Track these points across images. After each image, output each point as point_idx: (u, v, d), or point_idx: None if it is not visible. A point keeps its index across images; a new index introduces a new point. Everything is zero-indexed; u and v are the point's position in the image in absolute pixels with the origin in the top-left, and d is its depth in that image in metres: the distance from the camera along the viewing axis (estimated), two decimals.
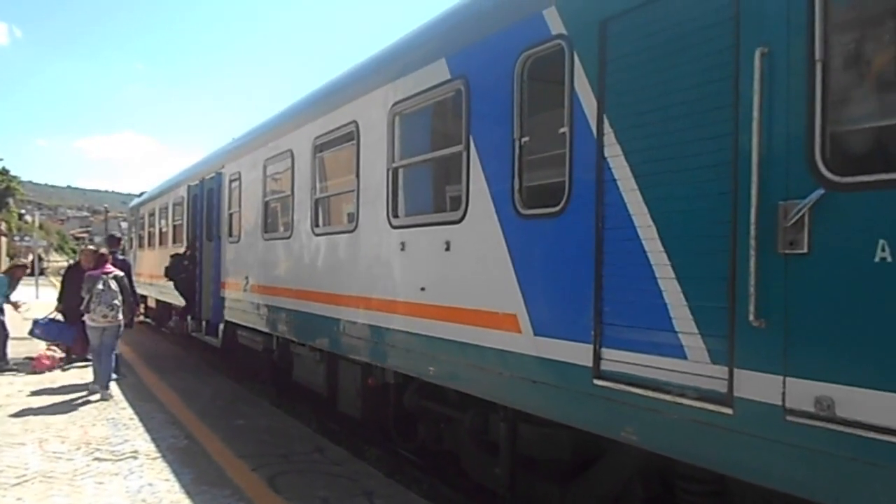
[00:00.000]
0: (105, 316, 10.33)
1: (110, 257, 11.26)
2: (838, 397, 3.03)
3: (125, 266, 11.96)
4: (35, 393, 10.53)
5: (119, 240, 13.19)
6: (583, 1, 4.53)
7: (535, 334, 4.85)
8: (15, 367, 12.55)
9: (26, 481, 6.34)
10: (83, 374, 12.12)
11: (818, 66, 3.15)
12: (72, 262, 14.05)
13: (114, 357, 10.92)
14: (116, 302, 10.42)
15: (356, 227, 7.47)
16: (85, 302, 10.46)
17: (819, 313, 3.13)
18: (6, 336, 12.80)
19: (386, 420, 7.79)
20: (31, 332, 13.05)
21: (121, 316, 10.59)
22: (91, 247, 16.28)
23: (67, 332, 13.01)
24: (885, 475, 2.86)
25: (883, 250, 2.89)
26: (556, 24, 4.71)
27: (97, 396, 10.25)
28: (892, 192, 2.90)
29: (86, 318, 10.60)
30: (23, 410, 9.29)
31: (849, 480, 3.01)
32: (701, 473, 4.10)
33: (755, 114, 3.34)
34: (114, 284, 10.49)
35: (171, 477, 6.53)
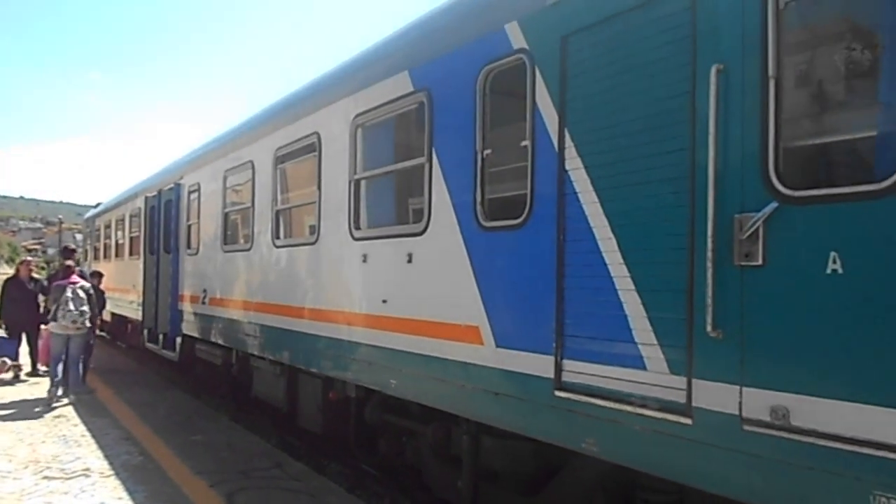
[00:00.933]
0: (74, 321, 10.68)
1: (77, 269, 11.68)
2: (793, 406, 3.09)
3: (82, 277, 11.92)
4: None
5: (74, 251, 13.00)
6: (544, 16, 4.58)
7: (498, 346, 4.85)
8: None
9: None
10: (32, 390, 11.77)
11: (771, 83, 3.24)
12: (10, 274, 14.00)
13: (80, 366, 11.27)
14: (84, 308, 10.79)
15: (317, 239, 7.40)
16: (52, 312, 10.83)
17: (774, 324, 3.19)
18: None
19: (347, 434, 7.70)
20: None
21: (88, 324, 10.94)
22: (29, 258, 16.07)
23: (8, 346, 12.87)
24: (840, 483, 2.92)
25: (834, 262, 2.97)
26: (517, 39, 4.76)
27: (62, 401, 10.55)
28: (842, 206, 2.98)
29: (51, 326, 10.99)
30: None
31: (805, 489, 3.06)
32: (661, 484, 4.14)
33: (711, 128, 3.41)
34: (81, 293, 10.89)
35: (125, 495, 6.34)
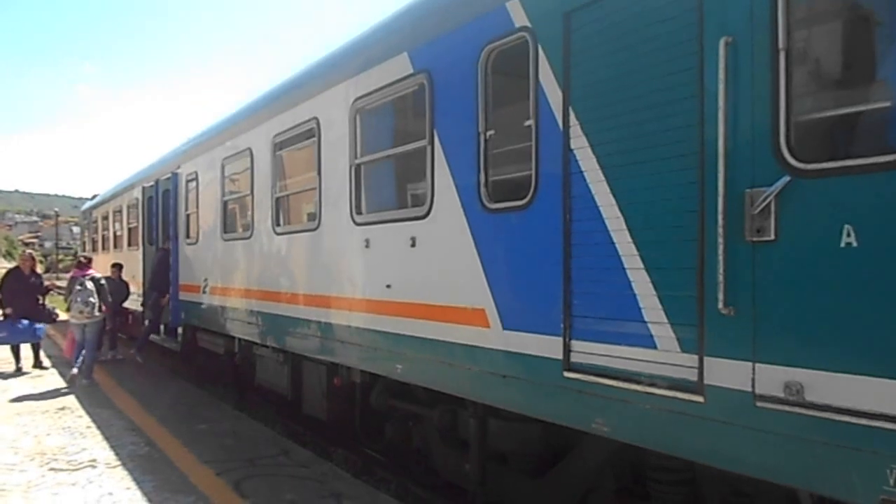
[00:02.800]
0: (81, 312, 11.49)
1: (91, 262, 12.66)
2: (807, 382, 3.07)
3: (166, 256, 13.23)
4: None
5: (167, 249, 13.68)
6: None
7: (505, 328, 4.83)
8: None
9: None
10: (35, 383, 11.76)
11: (782, 56, 3.18)
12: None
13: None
14: (92, 299, 11.56)
15: (319, 225, 7.35)
16: (69, 302, 11.76)
17: (787, 299, 3.16)
18: None
19: (352, 420, 7.69)
20: None
21: (97, 312, 11.67)
22: (29, 251, 16.38)
23: (28, 328, 12.75)
24: (856, 457, 2.90)
25: (848, 235, 2.93)
26: (519, 17, 4.69)
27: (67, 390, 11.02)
28: (856, 178, 2.94)
29: (68, 315, 11.98)
30: None
31: (820, 464, 3.05)
32: (672, 463, 4.13)
33: (720, 103, 3.36)
34: (90, 285, 11.69)
35: (133, 485, 6.33)
